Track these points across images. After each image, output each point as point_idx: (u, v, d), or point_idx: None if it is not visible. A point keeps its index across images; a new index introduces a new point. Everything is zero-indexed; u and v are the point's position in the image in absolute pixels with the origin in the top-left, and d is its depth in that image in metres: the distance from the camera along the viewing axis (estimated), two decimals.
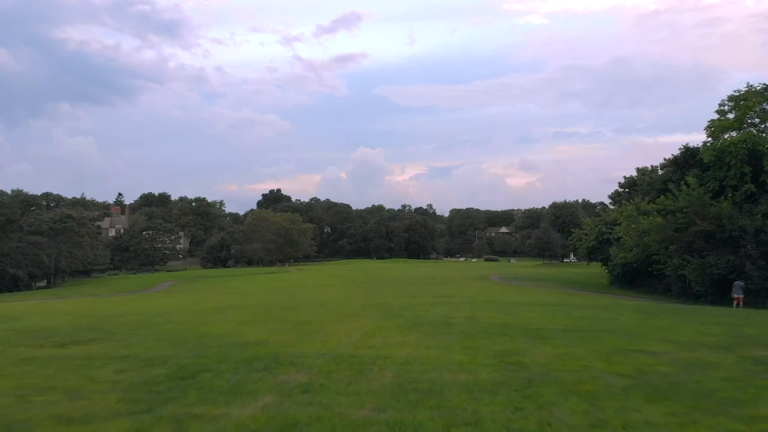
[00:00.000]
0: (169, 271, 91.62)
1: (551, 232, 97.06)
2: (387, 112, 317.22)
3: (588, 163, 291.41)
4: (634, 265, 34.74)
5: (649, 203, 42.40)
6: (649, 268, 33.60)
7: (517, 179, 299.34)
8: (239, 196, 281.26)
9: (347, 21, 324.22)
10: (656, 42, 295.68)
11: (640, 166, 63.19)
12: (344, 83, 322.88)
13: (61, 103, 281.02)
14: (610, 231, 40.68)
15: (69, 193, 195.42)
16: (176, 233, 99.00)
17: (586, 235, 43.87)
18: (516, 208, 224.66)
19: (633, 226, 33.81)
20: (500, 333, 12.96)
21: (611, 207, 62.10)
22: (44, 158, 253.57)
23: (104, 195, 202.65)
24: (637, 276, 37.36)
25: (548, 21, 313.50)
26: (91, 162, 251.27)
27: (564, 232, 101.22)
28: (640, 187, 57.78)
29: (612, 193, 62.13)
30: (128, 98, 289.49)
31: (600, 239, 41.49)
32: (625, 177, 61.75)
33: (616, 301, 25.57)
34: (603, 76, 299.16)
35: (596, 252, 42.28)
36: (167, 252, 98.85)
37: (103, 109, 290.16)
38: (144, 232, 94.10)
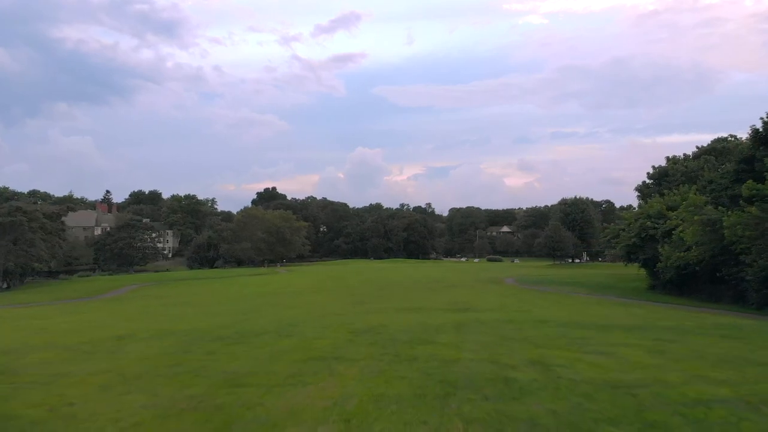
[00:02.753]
0: (153, 272, 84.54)
1: (562, 231, 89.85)
2: (385, 112, 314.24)
3: (586, 164, 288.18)
4: (697, 267, 27.73)
5: (696, 192, 35.50)
6: (718, 273, 26.67)
7: (516, 179, 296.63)
8: (237, 196, 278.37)
9: (346, 21, 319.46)
10: (655, 42, 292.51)
11: (670, 155, 56.40)
12: (342, 83, 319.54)
13: (58, 103, 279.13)
14: (655, 225, 33.58)
15: (63, 193, 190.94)
16: (157, 231, 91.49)
17: (624, 230, 36.62)
18: (516, 208, 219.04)
19: (697, 216, 26.81)
20: (643, 424, 5.94)
21: (640, 201, 55.06)
22: (41, 158, 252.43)
23: (101, 195, 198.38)
24: (694, 280, 30.39)
25: (548, 21, 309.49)
26: (88, 162, 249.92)
27: (575, 230, 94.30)
28: (673, 177, 50.92)
29: (639, 185, 55.18)
30: (126, 98, 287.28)
31: (642, 235, 34.35)
32: (653, 167, 54.85)
33: (726, 320, 18.38)
34: (601, 77, 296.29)
35: (638, 251, 35.06)
36: (148, 251, 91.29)
37: (100, 109, 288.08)
38: (121, 231, 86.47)
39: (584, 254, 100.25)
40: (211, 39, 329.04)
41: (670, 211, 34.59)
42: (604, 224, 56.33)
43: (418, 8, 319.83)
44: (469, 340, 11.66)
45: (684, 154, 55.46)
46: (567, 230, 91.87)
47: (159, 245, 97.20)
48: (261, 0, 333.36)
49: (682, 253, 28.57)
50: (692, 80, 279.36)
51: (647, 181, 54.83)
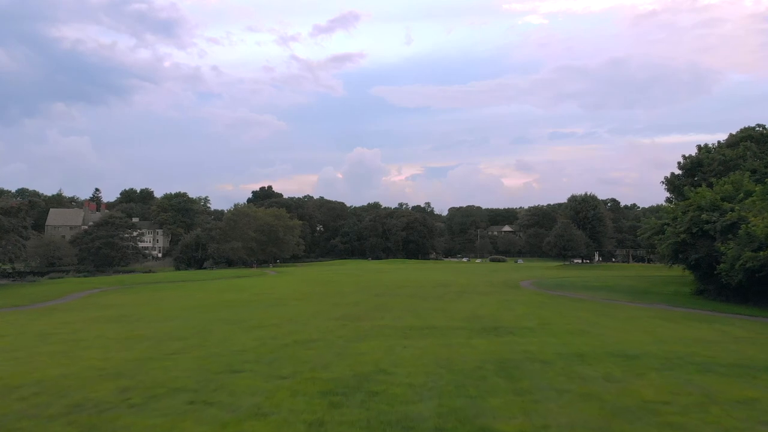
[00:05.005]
0: (140, 272, 78.73)
1: (573, 229, 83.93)
2: (383, 112, 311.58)
3: (584, 164, 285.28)
4: None
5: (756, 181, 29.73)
6: None
7: (514, 180, 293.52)
8: (235, 196, 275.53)
9: (344, 21, 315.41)
10: (653, 43, 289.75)
11: (701, 144, 50.59)
12: (341, 83, 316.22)
13: (55, 103, 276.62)
14: (711, 219, 27.73)
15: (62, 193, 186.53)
16: (139, 229, 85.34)
17: (669, 225, 30.60)
18: (517, 207, 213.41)
19: None
20: None
21: (670, 195, 49.26)
22: (39, 158, 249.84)
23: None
24: (763, 285, 24.65)
25: (547, 21, 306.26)
26: (86, 162, 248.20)
27: (586, 228, 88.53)
28: (709, 167, 45.15)
29: (669, 177, 49.27)
30: (123, 98, 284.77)
31: (693, 231, 28.47)
32: (684, 156, 48.95)
33: None
34: (599, 77, 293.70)
35: (688, 249, 29.00)
36: (129, 251, 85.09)
37: (98, 109, 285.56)
38: (100, 228, 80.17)
39: (596, 254, 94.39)
40: (209, 39, 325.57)
41: (725, 203, 28.85)
42: (644, 219, 50.18)
43: (416, 8, 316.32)
44: (556, 422, 5.90)
45: (719, 142, 49.83)
46: (578, 228, 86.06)
47: (148, 245, 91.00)
48: (259, 0, 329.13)
49: (754, 252, 22.84)
50: (690, 81, 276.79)
51: (677, 172, 49.00)
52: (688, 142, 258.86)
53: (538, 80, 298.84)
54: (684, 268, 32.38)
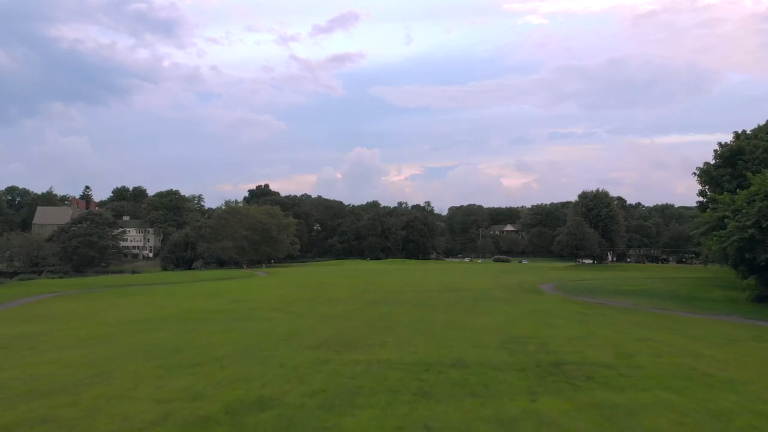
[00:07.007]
0: (130, 272, 73.54)
1: (585, 227, 78.66)
2: (383, 112, 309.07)
3: (583, 164, 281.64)
4: None
5: None
6: None
7: (513, 180, 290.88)
8: (234, 196, 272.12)
9: (344, 20, 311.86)
10: (653, 43, 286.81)
11: (739, 131, 45.29)
12: (340, 83, 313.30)
13: (54, 103, 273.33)
14: None
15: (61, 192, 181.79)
16: (120, 227, 79.88)
17: (730, 217, 25.15)
18: (519, 206, 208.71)
19: None
20: None
21: (703, 188, 43.89)
22: (38, 157, 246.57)
23: (97, 195, 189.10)
24: None
25: (547, 21, 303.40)
26: (85, 162, 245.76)
27: (598, 227, 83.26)
28: (752, 155, 39.91)
29: (703, 167, 43.88)
30: (123, 97, 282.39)
31: (763, 225, 23.13)
32: (720, 144, 43.67)
33: None
34: (598, 77, 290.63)
35: (757, 247, 23.56)
36: (109, 251, 79.60)
37: (97, 109, 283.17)
38: (77, 226, 74.71)
39: (610, 254, 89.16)
40: (208, 38, 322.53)
41: None
42: (696, 212, 44.97)
43: (416, 8, 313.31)
44: None
45: (758, 125, 44.51)
46: (590, 227, 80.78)
47: (139, 244, 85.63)
48: (259, 0, 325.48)
49: None
50: (689, 81, 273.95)
51: (712, 162, 43.68)
52: (687, 142, 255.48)
53: (538, 80, 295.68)
54: (737, 274, 27.07)
